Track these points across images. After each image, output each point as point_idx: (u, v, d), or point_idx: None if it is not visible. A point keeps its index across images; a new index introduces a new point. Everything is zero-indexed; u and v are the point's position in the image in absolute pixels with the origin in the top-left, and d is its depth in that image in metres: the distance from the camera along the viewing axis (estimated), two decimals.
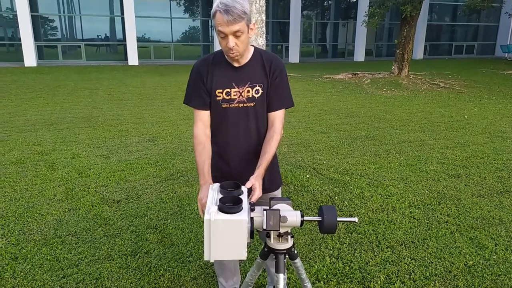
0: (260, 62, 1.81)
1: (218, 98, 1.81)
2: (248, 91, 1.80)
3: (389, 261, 2.70)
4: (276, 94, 1.84)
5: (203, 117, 1.86)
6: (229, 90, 1.79)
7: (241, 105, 1.81)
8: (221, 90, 1.80)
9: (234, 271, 2.22)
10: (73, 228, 3.11)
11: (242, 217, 1.39)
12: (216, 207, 1.43)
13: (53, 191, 3.83)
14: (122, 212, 3.39)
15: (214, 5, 1.61)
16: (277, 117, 1.86)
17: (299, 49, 21.29)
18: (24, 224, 3.17)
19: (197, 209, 3.45)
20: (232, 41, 1.63)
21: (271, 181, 1.96)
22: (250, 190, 1.67)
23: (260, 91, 1.81)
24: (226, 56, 1.78)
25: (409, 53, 12.91)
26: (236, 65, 1.79)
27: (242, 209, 1.44)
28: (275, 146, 1.83)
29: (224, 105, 1.81)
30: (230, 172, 1.89)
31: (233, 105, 1.81)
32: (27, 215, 3.31)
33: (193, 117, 1.88)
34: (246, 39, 1.68)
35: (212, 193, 1.57)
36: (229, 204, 1.44)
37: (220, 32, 1.63)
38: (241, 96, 1.80)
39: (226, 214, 1.40)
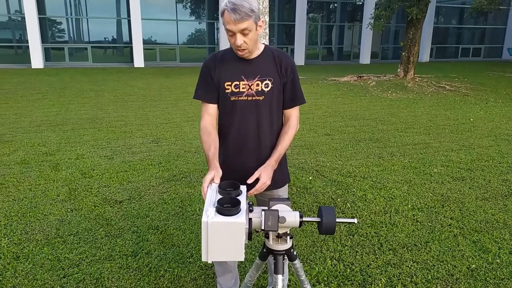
0: (271, 58, 1.84)
1: (227, 91, 1.82)
2: (258, 85, 1.81)
3: (390, 264, 2.68)
4: (291, 92, 1.87)
5: (210, 111, 1.88)
6: (237, 82, 1.81)
7: (250, 98, 1.82)
8: (229, 83, 1.81)
9: (234, 271, 2.22)
10: (75, 228, 3.12)
11: (239, 219, 1.38)
12: (214, 209, 1.42)
13: (56, 191, 3.85)
14: (124, 212, 3.40)
15: (223, 4, 1.65)
16: (293, 113, 1.90)
17: (304, 52, 21.28)
18: (26, 224, 3.18)
19: (199, 210, 3.45)
20: (240, 39, 1.67)
21: (281, 175, 1.96)
22: (255, 183, 1.69)
23: (270, 85, 1.82)
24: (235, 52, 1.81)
25: (415, 56, 12.84)
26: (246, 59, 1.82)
27: (240, 211, 1.42)
28: (289, 140, 1.85)
29: (232, 98, 1.82)
30: (243, 165, 1.86)
31: (241, 98, 1.82)
32: (30, 215, 3.33)
33: (201, 112, 1.89)
34: (255, 37, 1.71)
35: (210, 193, 1.56)
36: (227, 206, 1.43)
37: (228, 31, 1.67)
38: (250, 89, 1.81)
39: (223, 217, 1.39)
